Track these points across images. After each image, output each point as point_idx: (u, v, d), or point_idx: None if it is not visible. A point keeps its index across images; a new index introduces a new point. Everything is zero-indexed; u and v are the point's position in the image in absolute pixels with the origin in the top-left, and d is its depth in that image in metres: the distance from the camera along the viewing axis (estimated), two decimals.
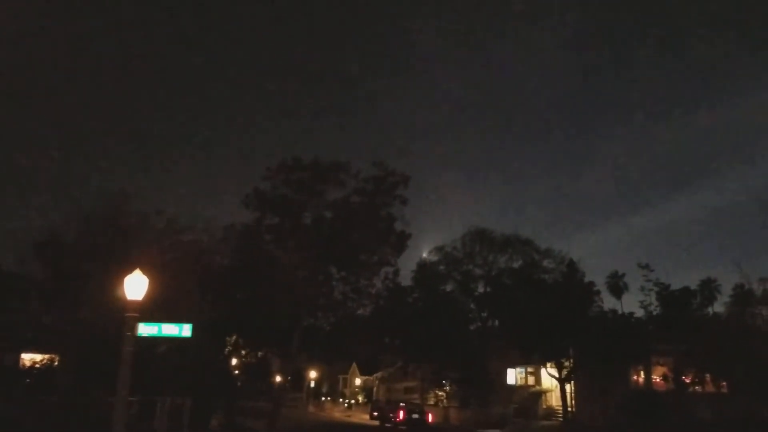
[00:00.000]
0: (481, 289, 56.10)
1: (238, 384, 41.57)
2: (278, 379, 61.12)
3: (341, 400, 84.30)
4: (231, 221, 34.53)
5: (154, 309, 19.15)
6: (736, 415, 38.55)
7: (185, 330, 17.77)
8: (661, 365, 44.47)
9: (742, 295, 42.13)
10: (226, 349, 40.14)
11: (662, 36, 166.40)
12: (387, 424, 48.07)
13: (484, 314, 55.22)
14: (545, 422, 45.91)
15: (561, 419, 44.34)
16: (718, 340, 38.09)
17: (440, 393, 58.61)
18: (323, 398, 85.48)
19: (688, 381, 42.02)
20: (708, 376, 42.01)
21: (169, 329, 17.92)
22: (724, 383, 42.56)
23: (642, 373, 45.48)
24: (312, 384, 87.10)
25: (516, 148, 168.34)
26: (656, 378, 45.04)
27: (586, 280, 45.39)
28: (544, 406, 49.10)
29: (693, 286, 43.90)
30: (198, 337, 19.90)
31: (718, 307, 43.42)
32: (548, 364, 44.92)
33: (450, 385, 56.42)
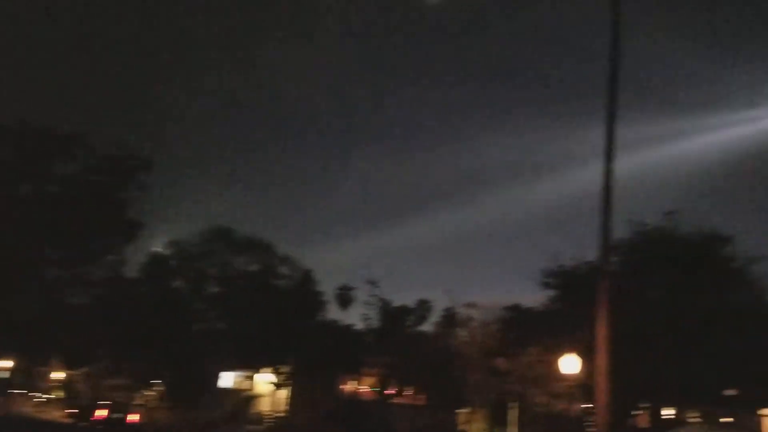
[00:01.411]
0: (213, 289, 54.84)
1: None
2: None
3: (37, 394, 75.88)
4: None
5: None
6: (428, 424, 43.02)
7: None
8: (371, 376, 47.77)
9: (447, 318, 46.41)
10: None
11: (410, 76, 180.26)
12: (82, 423, 44.45)
13: (212, 315, 54.04)
14: (254, 427, 46.26)
15: (272, 424, 45.12)
16: (420, 356, 42.07)
17: (150, 393, 55.83)
18: (15, 391, 76.03)
19: (391, 392, 45.83)
20: (408, 388, 46.25)
21: None
22: (423, 395, 47.12)
23: (353, 382, 48.37)
24: (4, 375, 77.00)
25: (275, 153, 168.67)
26: (364, 388, 48.29)
27: (319, 290, 46.80)
28: (256, 411, 49.52)
29: (412, 305, 47.55)
30: None
31: (429, 326, 47.81)
32: (267, 369, 45.46)
33: (163, 386, 54.07)
